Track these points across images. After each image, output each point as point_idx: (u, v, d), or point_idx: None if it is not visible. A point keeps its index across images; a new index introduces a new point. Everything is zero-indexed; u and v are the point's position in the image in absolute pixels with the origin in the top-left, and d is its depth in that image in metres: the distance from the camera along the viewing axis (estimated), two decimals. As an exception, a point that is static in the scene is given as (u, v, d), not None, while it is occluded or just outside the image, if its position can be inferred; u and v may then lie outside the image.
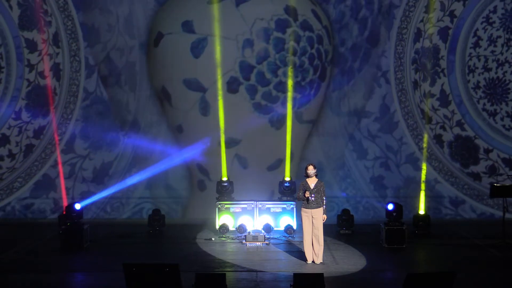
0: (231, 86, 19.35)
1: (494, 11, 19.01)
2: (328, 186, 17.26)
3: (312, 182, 13.66)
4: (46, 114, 18.89)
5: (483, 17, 19.07)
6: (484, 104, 19.19)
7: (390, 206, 15.76)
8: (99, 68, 19.18)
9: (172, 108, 19.57)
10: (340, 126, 19.43)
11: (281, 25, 19.36)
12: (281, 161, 19.16)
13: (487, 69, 19.13)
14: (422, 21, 19.11)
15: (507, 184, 17.02)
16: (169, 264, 10.54)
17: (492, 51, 19.09)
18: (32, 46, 18.84)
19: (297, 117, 19.58)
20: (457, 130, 19.18)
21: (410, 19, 19.20)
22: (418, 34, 19.17)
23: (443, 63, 19.18)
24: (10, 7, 18.70)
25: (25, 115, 18.88)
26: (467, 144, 19.10)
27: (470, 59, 19.12)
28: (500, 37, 19.05)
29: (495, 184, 16.51)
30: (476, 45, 19.10)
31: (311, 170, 13.70)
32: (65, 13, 18.98)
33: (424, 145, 19.00)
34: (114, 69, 19.18)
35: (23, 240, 15.96)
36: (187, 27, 19.40)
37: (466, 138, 19.13)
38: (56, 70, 18.95)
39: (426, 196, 18.52)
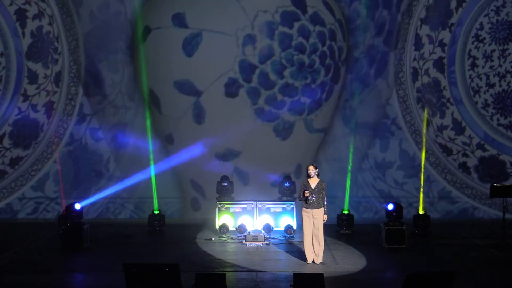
0: (230, 89, 17.94)
1: (481, 27, 18.88)
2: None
3: (313, 182, 13.65)
4: (27, 147, 18.72)
5: (472, 37, 18.90)
6: (498, 120, 19.07)
7: (390, 206, 15.76)
8: (91, 118, 18.72)
9: (161, 115, 18.25)
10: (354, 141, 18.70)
11: (288, 19, 17.84)
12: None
13: (490, 85, 19.01)
14: (415, 59, 18.91)
15: (507, 184, 17.05)
16: (169, 264, 10.54)
17: (491, 67, 18.99)
18: (33, 77, 18.66)
19: (306, 125, 18.31)
20: (479, 153, 19.03)
21: (403, 61, 18.90)
22: (415, 73, 18.95)
23: (447, 93, 18.97)
24: (23, 34, 18.56)
25: (6, 141, 18.72)
26: (493, 163, 18.98)
27: (472, 81, 18.96)
28: (494, 50, 18.96)
29: (495, 184, 16.52)
30: (474, 65, 18.95)
31: (311, 170, 13.68)
32: (74, 55, 18.64)
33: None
34: (104, 124, 18.70)
35: (23, 240, 15.97)
36: (179, 20, 17.82)
37: (490, 158, 18.99)
38: (49, 108, 18.68)
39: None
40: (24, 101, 18.70)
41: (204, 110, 18.12)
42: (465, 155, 19.00)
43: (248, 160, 18.22)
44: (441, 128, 19.07)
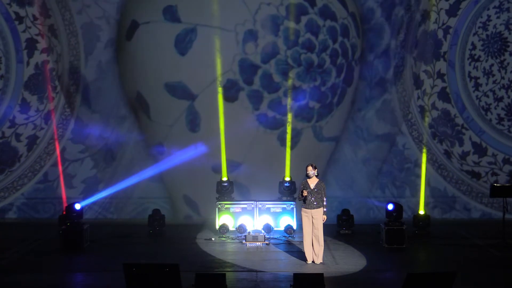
0: (229, 92, 16.54)
1: (473, 47, 18.65)
2: None
3: (312, 182, 13.65)
4: (0, 172, 18.51)
5: (468, 58, 18.60)
6: None
7: (390, 206, 15.76)
8: (69, 164, 18.22)
9: (151, 122, 17.05)
10: (367, 154, 17.89)
11: (295, 12, 16.42)
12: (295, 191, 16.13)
13: (499, 99, 18.80)
14: (419, 97, 18.53)
15: (507, 184, 17.06)
16: (169, 264, 10.57)
17: (494, 81, 18.76)
18: (24, 107, 18.38)
19: (315, 133, 17.03)
20: (507, 168, 18.80)
21: (408, 103, 18.44)
22: (423, 111, 18.50)
23: (459, 120, 18.61)
24: (28, 63, 18.35)
25: None
26: None
27: (480, 101, 18.71)
28: (492, 65, 18.75)
29: (495, 184, 16.52)
30: (477, 85, 18.68)
31: (310, 170, 13.68)
32: (70, 99, 18.24)
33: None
34: (80, 173, 18.21)
35: (23, 240, 15.98)
36: (170, 14, 16.33)
37: None
38: (32, 141, 18.38)
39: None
40: (10, 127, 18.44)
41: (199, 116, 16.89)
42: (494, 174, 18.83)
43: (249, 172, 17.03)
44: (464, 156, 18.72)
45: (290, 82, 16.69)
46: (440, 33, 18.57)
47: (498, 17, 18.68)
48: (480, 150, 18.79)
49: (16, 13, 18.23)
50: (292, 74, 16.58)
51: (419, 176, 18.70)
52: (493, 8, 18.64)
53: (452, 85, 18.45)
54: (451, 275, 10.22)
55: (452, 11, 18.50)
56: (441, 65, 18.69)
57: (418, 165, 18.72)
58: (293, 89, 16.63)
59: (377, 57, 17.83)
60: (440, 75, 18.59)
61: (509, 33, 18.78)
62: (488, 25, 18.62)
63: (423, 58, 18.49)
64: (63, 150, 18.41)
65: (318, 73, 16.78)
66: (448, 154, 18.74)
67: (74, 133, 18.35)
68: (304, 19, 16.48)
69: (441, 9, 18.38)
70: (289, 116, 17.15)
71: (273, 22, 16.49)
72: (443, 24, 18.44)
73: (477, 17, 18.59)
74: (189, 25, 16.38)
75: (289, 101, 16.82)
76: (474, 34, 18.65)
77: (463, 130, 18.68)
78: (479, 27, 18.68)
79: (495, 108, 18.85)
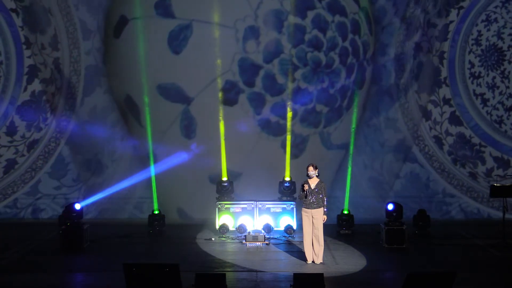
0: (228, 95, 15.50)
1: (472, 65, 18.38)
2: None
3: (313, 182, 13.66)
4: None
5: (469, 77, 18.25)
6: None
7: (390, 206, 15.77)
8: (41, 197, 17.82)
9: (141, 127, 16.12)
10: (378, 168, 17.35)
11: (300, 6, 15.19)
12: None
13: (509, 109, 18.56)
14: (431, 128, 18.14)
15: (507, 184, 17.05)
16: (169, 264, 10.59)
17: (500, 93, 18.51)
18: (11, 130, 18.16)
19: (323, 139, 16.05)
20: None
21: (422, 136, 18.02)
22: (438, 140, 18.14)
23: (476, 139, 18.29)
24: (25, 89, 18.07)
25: None
26: None
27: (491, 115, 18.42)
28: (494, 77, 18.52)
29: (495, 184, 16.53)
30: (485, 101, 18.37)
31: (311, 171, 13.69)
32: (58, 135, 17.88)
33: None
34: (49, 208, 17.88)
35: (23, 240, 15.99)
36: (163, 8, 15.20)
37: None
38: (10, 165, 18.09)
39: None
40: None
41: (195, 121, 15.88)
42: None
43: (250, 183, 16.02)
44: (488, 173, 18.48)
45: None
46: (436, 60, 18.31)
47: (488, 30, 18.46)
48: (503, 163, 18.60)
49: (26, 38, 18.00)
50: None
51: (450, 204, 18.54)
52: (481, 22, 18.33)
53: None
54: (451, 275, 10.23)
55: (442, 36, 18.23)
56: (445, 91, 18.36)
57: (447, 194, 18.51)
58: (298, 92, 15.57)
59: (390, 60, 17.20)
60: (446, 101, 18.27)
61: (503, 42, 18.62)
62: (481, 39, 18.38)
63: (425, 89, 18.24)
64: (38, 182, 18.12)
65: (326, 74, 15.81)
66: (473, 175, 18.47)
67: (53, 167, 18.01)
68: (310, 14, 15.47)
69: (431, 37, 18.00)
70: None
71: (276, 18, 15.50)
72: (437, 51, 18.20)
73: (468, 35, 18.28)
74: (184, 20, 15.30)
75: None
76: (469, 52, 18.35)
77: (482, 148, 18.39)
78: (472, 44, 18.40)
79: (508, 119, 18.67)
